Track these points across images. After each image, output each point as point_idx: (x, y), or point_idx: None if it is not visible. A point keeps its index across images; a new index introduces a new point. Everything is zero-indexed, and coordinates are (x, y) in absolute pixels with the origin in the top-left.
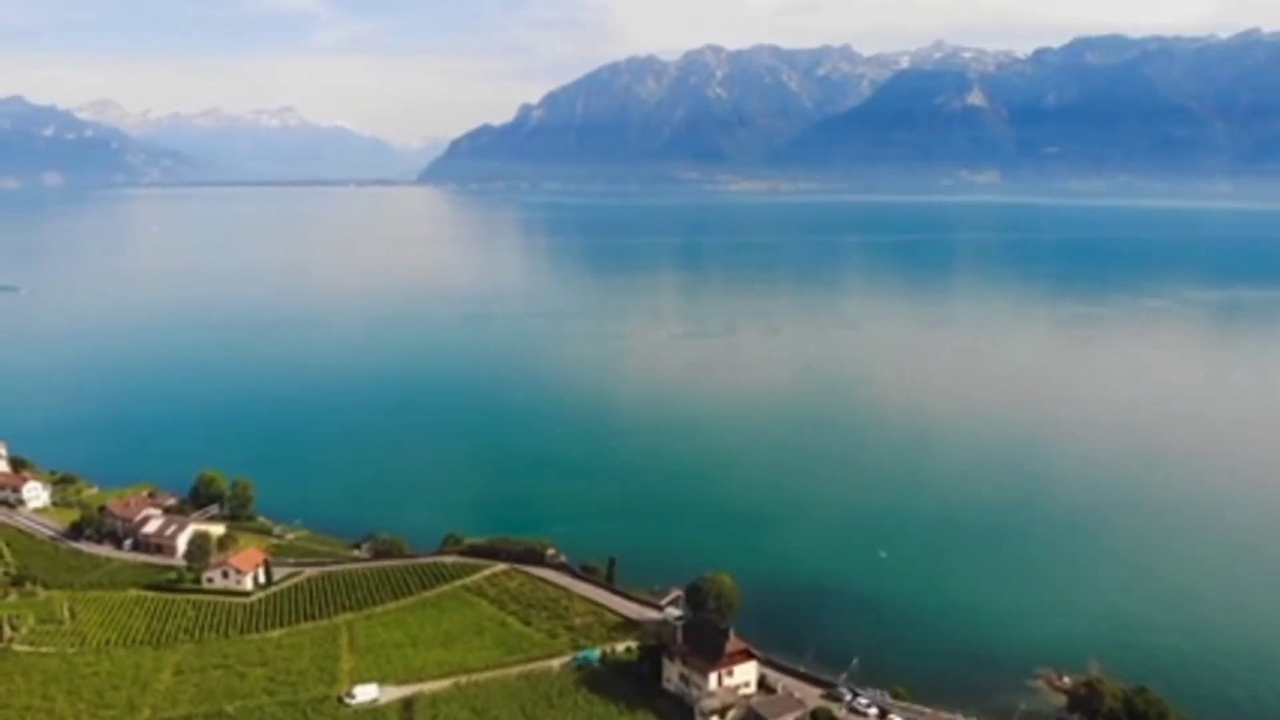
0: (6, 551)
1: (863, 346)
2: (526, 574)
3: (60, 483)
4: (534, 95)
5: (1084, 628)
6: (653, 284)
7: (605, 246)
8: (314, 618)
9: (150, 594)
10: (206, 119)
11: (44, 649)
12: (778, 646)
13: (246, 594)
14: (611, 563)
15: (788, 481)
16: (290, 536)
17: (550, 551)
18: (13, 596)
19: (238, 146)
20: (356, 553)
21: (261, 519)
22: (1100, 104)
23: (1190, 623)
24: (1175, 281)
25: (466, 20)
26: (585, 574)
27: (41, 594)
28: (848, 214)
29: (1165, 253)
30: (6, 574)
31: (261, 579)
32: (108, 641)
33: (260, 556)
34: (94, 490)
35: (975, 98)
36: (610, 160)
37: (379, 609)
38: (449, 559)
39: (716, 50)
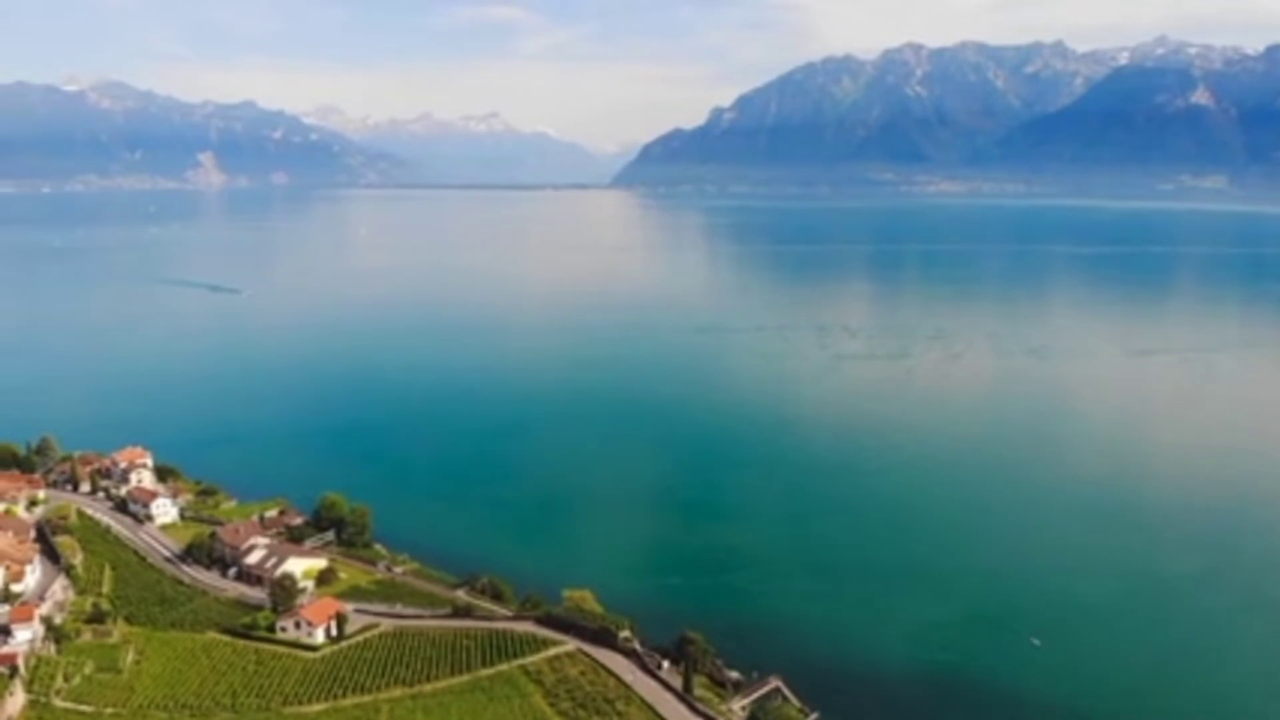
0: (108, 577)
1: (1052, 379)
2: (591, 659)
3: (201, 494)
4: (728, 98)
5: None
6: (827, 296)
7: (783, 254)
8: (362, 690)
9: (224, 639)
10: (420, 124)
11: (84, 706)
12: None
13: (315, 648)
14: (689, 661)
15: (936, 542)
16: (398, 570)
17: (624, 634)
18: (86, 635)
19: (447, 151)
20: (459, 593)
21: (378, 546)
22: None
23: None
24: None
25: (666, 26)
26: (659, 658)
27: (117, 633)
28: (1055, 219)
29: None
30: (95, 605)
31: (334, 632)
32: (150, 702)
33: (334, 607)
34: (232, 503)
35: (1200, 96)
36: (801, 162)
37: (429, 686)
38: (521, 627)
39: (917, 48)
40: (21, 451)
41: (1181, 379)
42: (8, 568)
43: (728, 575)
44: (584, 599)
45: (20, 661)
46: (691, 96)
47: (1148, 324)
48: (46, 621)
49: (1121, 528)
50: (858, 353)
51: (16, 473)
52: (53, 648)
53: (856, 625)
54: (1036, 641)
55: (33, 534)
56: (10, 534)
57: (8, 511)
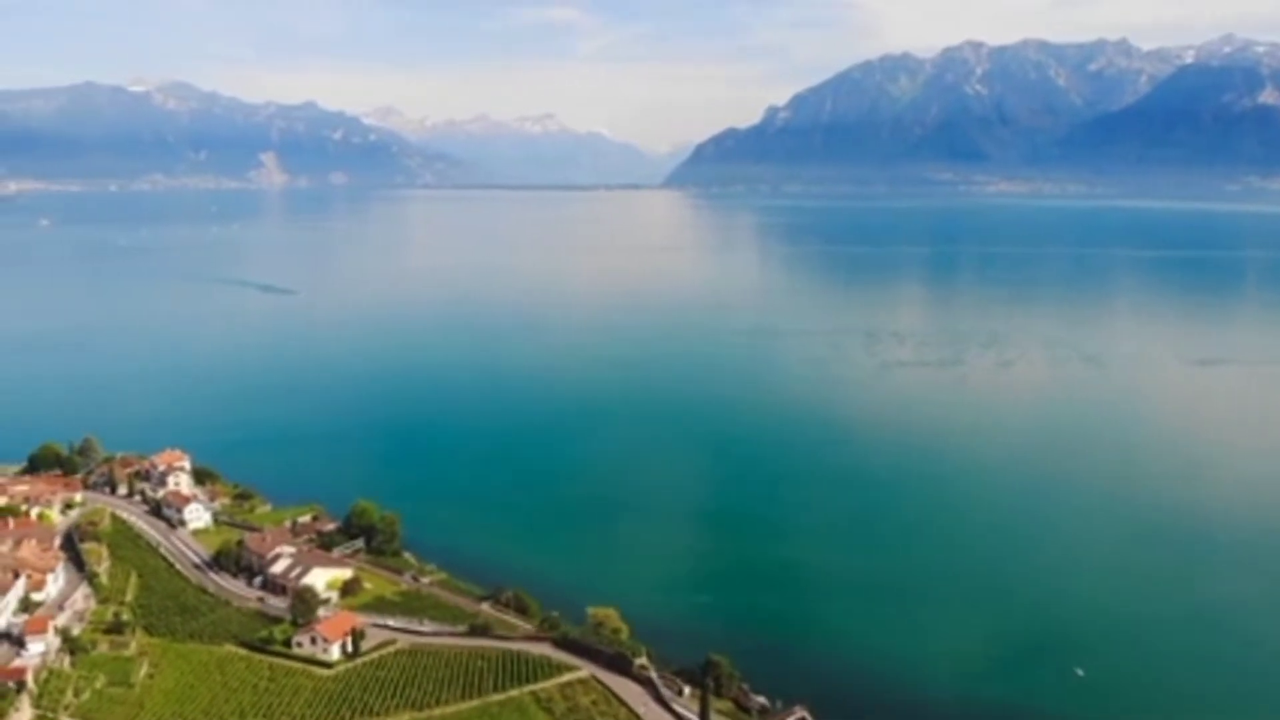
0: (133, 585)
1: (1108, 388)
2: (605, 688)
3: (238, 498)
4: (783, 97)
5: None
6: (878, 300)
7: (834, 255)
8: (371, 712)
9: (241, 652)
10: (476, 125)
11: None
12: None
13: (329, 665)
14: (707, 689)
15: (979, 561)
16: (425, 580)
17: (640, 661)
18: (103, 646)
19: (502, 151)
20: (483, 606)
21: (407, 555)
22: None
23: None
24: None
25: (723, 25)
26: (681, 683)
27: (134, 645)
28: (1117, 221)
29: None
30: (116, 615)
31: (349, 648)
32: None
33: (351, 622)
34: (268, 508)
35: (1269, 96)
36: (857, 161)
37: (438, 710)
38: (537, 649)
39: (976, 46)
40: (64, 452)
41: (1246, 391)
42: (29, 576)
43: (761, 593)
44: (608, 617)
45: (29, 676)
46: (746, 95)
47: (1211, 332)
48: (63, 633)
49: (1176, 550)
50: (906, 359)
51: (57, 474)
52: (67, 660)
53: (891, 649)
54: (1080, 671)
55: (58, 541)
56: (34, 541)
57: (41, 515)
